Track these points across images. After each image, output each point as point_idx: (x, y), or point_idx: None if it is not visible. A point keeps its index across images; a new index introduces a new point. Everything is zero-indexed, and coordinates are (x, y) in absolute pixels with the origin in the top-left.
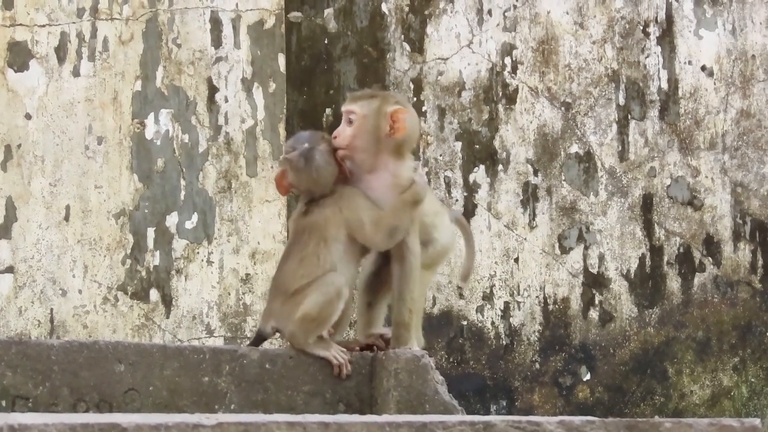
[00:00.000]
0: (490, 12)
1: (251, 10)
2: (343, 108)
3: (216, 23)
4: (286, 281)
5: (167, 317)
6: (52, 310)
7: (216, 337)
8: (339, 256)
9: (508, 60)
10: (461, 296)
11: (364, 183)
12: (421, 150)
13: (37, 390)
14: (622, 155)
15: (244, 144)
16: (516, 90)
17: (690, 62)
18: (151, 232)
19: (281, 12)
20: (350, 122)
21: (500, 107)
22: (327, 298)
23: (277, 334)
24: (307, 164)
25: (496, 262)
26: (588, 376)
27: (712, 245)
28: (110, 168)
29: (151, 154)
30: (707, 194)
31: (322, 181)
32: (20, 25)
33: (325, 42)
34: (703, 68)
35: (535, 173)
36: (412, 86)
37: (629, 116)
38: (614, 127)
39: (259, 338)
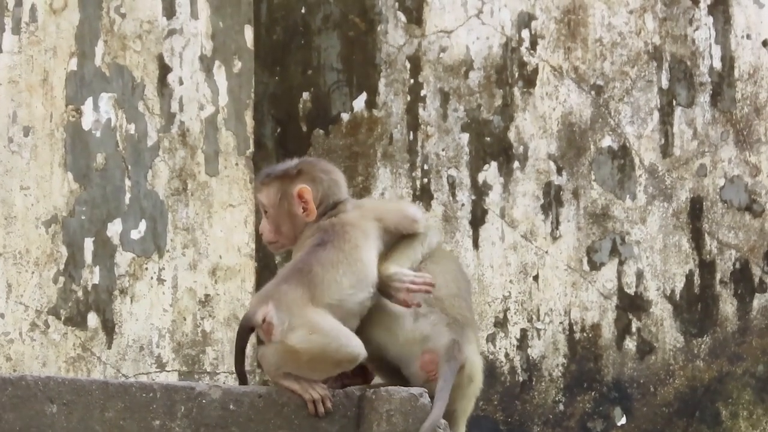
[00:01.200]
0: None
1: None
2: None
3: None
4: (320, 271)
5: (109, 347)
6: None
7: (168, 371)
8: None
9: (525, 33)
10: None
11: None
12: (420, 144)
13: None
14: (666, 150)
15: (203, 136)
16: (535, 70)
17: (749, 36)
18: (89, 244)
19: None
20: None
21: (516, 91)
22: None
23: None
24: (319, 164)
25: (510, 281)
26: (623, 420)
27: None
28: (39, 165)
29: (90, 148)
30: None
31: (342, 180)
32: None
33: (302, 11)
34: (765, 43)
35: (559, 172)
36: (408, 65)
37: (674, 102)
38: (656, 115)
39: (245, 329)
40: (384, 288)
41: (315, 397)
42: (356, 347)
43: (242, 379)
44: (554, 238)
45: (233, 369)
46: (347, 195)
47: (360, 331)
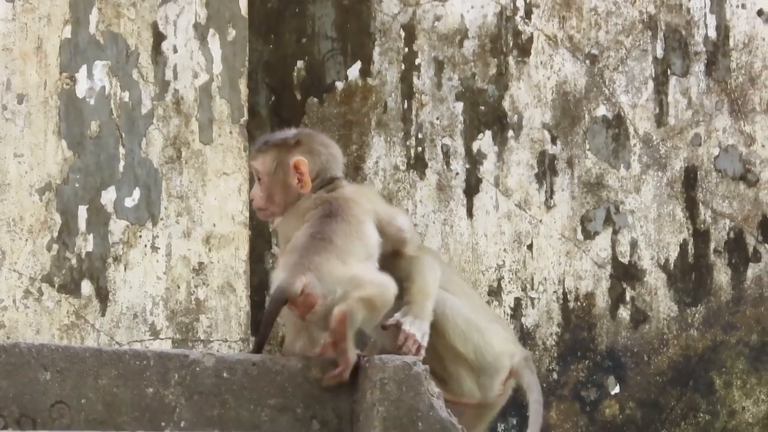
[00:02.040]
0: None
1: None
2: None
3: None
4: (342, 243)
5: (102, 315)
6: None
7: (162, 339)
8: (371, 239)
9: (520, 2)
10: None
11: None
12: (414, 113)
13: None
14: (660, 119)
15: (197, 104)
16: (530, 39)
17: (743, 5)
18: (83, 211)
19: None
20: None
21: (511, 60)
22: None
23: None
24: (318, 137)
25: (505, 250)
26: (617, 389)
27: None
28: (33, 132)
29: (84, 116)
30: (764, 167)
31: (339, 155)
32: None
33: None
34: (760, 12)
35: (554, 141)
36: (402, 34)
37: (669, 71)
38: (650, 84)
39: (280, 300)
40: (387, 325)
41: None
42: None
43: (260, 349)
44: (548, 207)
45: (227, 337)
46: (342, 172)
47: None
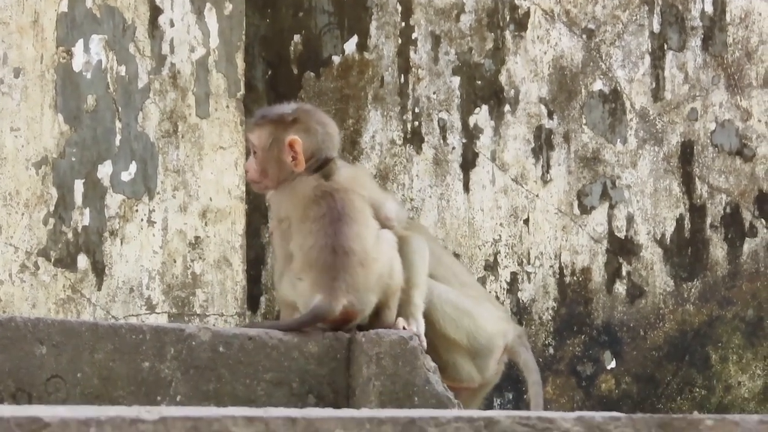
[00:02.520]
0: None
1: None
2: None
3: None
4: (363, 249)
5: (99, 289)
6: None
7: (158, 313)
8: (373, 220)
9: None
10: None
11: None
12: (411, 87)
13: None
14: (657, 94)
15: (194, 78)
16: (527, 13)
17: None
18: (79, 185)
19: None
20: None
21: (507, 34)
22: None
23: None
24: (316, 114)
25: (501, 224)
26: (613, 364)
27: (765, 204)
28: (29, 106)
29: (80, 90)
30: (760, 142)
31: (336, 135)
32: None
33: None
34: None
35: (550, 115)
36: (399, 8)
37: (665, 46)
38: (647, 59)
39: (318, 320)
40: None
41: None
42: None
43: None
44: (545, 182)
45: (223, 311)
46: (338, 151)
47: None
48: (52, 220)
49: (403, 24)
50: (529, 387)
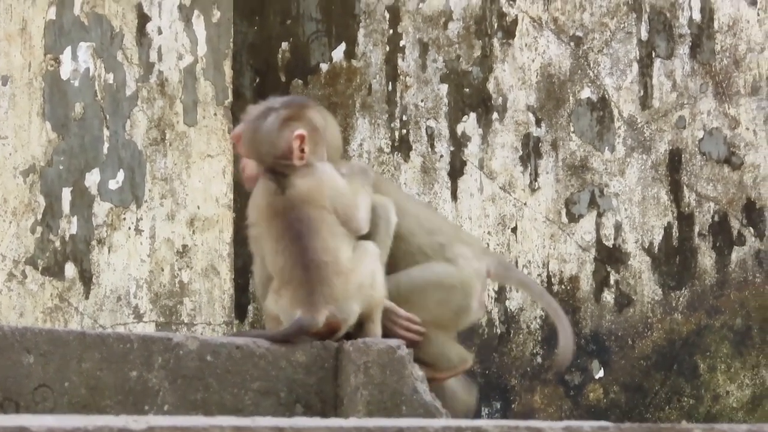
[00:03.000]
0: None
1: None
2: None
3: None
4: (334, 259)
5: (86, 298)
6: None
7: (146, 322)
8: (341, 228)
9: None
10: None
11: None
12: (399, 95)
13: None
14: (645, 102)
15: (182, 86)
16: (515, 21)
17: None
18: (66, 194)
19: None
20: None
21: (495, 42)
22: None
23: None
24: (254, 125)
25: (489, 233)
26: (601, 373)
27: (753, 212)
28: (17, 114)
29: (68, 98)
30: (748, 150)
31: (265, 147)
32: None
33: None
34: None
35: (538, 123)
36: (387, 16)
37: (653, 54)
38: (635, 67)
39: (302, 333)
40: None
41: None
42: None
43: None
44: (533, 190)
45: (211, 320)
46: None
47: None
48: (39, 229)
49: (391, 31)
50: (537, 302)
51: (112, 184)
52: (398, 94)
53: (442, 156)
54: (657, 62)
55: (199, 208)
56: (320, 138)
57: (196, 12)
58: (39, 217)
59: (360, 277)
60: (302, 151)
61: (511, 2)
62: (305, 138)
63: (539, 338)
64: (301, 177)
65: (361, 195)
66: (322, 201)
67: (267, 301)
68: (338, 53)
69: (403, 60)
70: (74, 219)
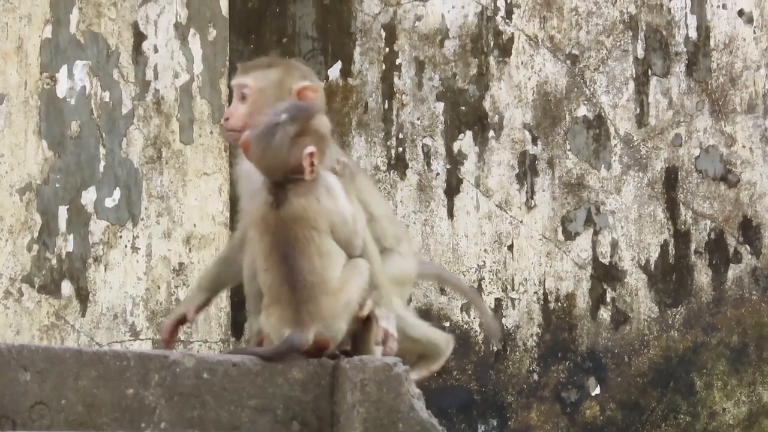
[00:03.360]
0: None
1: None
2: (234, 81)
3: None
4: (321, 279)
5: (83, 315)
6: None
7: (142, 340)
8: (335, 247)
9: (501, 2)
10: (443, 292)
11: None
12: (395, 113)
13: None
14: (641, 120)
15: (178, 104)
16: (511, 39)
17: (724, 6)
18: (63, 212)
19: None
20: (243, 98)
21: (492, 60)
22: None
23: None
24: (263, 142)
25: (485, 250)
26: (597, 390)
27: (750, 230)
28: (13, 132)
29: (64, 116)
30: (744, 167)
31: (275, 164)
32: None
33: None
34: (741, 13)
35: (534, 141)
36: (383, 34)
37: (649, 72)
38: (631, 85)
39: (292, 352)
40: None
41: None
42: None
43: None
44: (529, 208)
45: (207, 338)
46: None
47: None
48: (35, 247)
49: (387, 50)
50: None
51: (109, 202)
52: (394, 112)
53: (438, 174)
54: (653, 80)
55: (195, 226)
56: (326, 144)
57: (192, 30)
58: (35, 235)
59: (347, 295)
60: (312, 165)
61: (507, 20)
62: (315, 154)
63: (535, 356)
64: (299, 194)
65: (359, 220)
66: (314, 221)
67: (260, 317)
68: (334, 71)
69: (399, 78)
70: (71, 237)
